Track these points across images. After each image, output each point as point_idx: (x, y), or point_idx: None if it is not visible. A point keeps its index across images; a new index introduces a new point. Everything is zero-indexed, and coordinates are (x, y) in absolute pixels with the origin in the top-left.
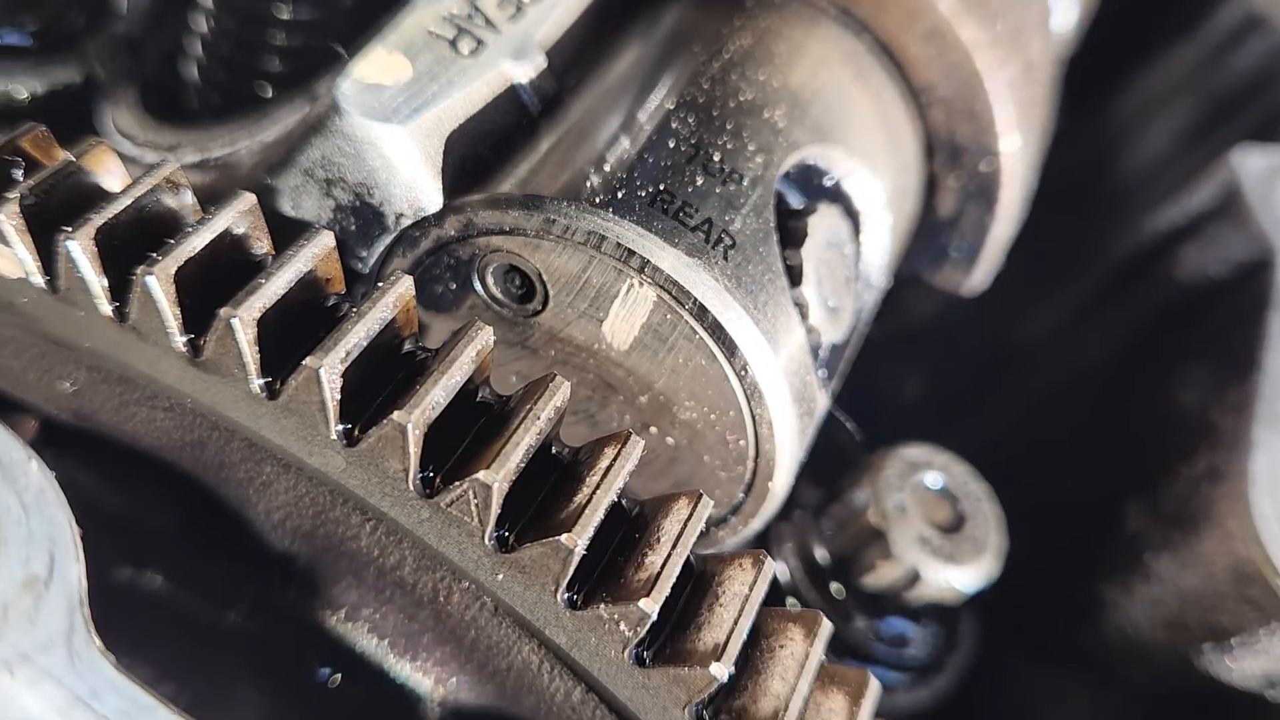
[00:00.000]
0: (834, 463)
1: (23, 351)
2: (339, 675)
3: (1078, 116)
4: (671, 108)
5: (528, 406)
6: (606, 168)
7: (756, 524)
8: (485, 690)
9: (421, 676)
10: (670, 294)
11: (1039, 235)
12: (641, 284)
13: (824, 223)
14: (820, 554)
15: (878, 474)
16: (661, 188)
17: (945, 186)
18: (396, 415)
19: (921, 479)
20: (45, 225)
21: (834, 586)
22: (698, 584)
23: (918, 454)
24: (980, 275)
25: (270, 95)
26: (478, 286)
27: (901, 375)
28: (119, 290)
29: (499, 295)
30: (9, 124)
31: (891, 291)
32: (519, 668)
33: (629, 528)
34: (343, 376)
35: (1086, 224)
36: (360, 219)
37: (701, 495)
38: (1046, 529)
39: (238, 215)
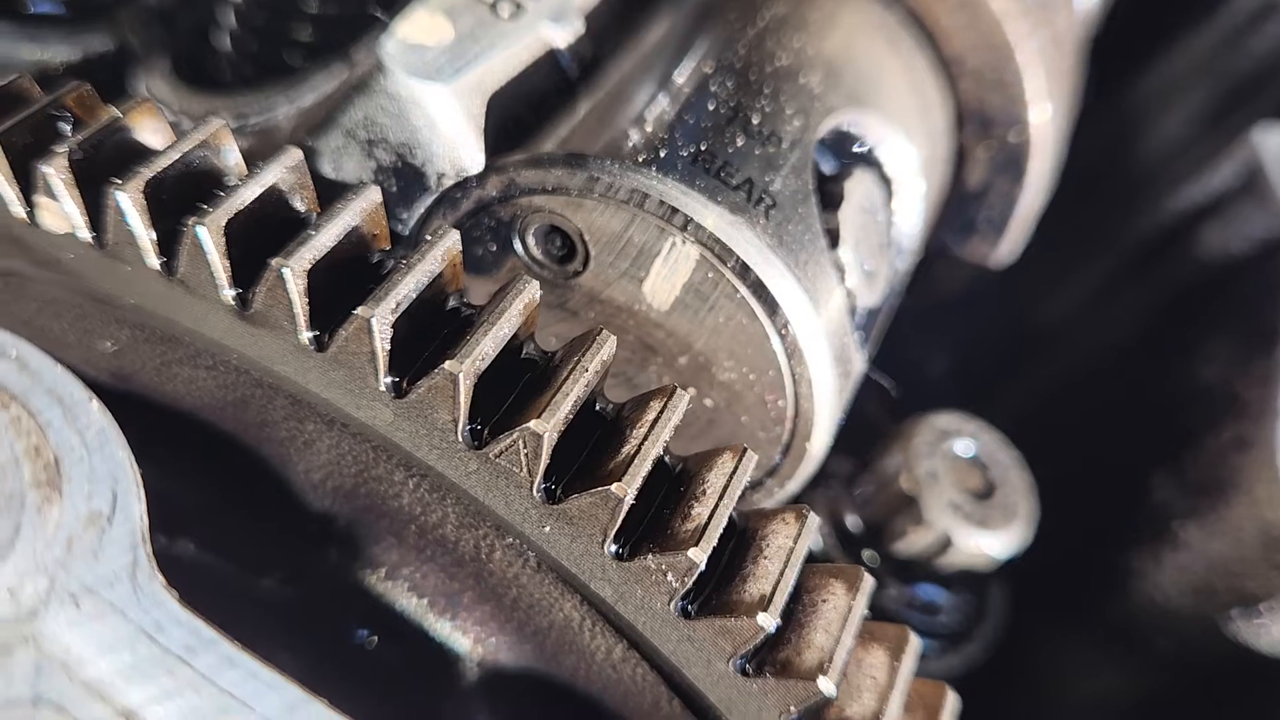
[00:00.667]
0: (864, 434)
1: (63, 312)
2: (377, 637)
3: (1097, 99)
4: (710, 71)
5: (575, 359)
6: (647, 128)
7: (793, 486)
8: (524, 650)
9: (461, 636)
10: (713, 252)
11: (1060, 215)
12: (684, 242)
13: (860, 187)
14: (852, 521)
15: (909, 441)
16: (703, 147)
17: (974, 158)
18: (448, 364)
19: (952, 446)
20: (92, 180)
21: (867, 554)
22: (740, 540)
23: (948, 422)
24: (1008, 247)
25: (303, 64)
26: (518, 247)
27: (927, 350)
28: (167, 244)
29: (539, 256)
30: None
31: (919, 264)
32: (560, 626)
33: (673, 482)
34: (392, 327)
35: (1107, 204)
36: (402, 180)
37: (746, 449)
38: (1073, 501)
39: (285, 170)
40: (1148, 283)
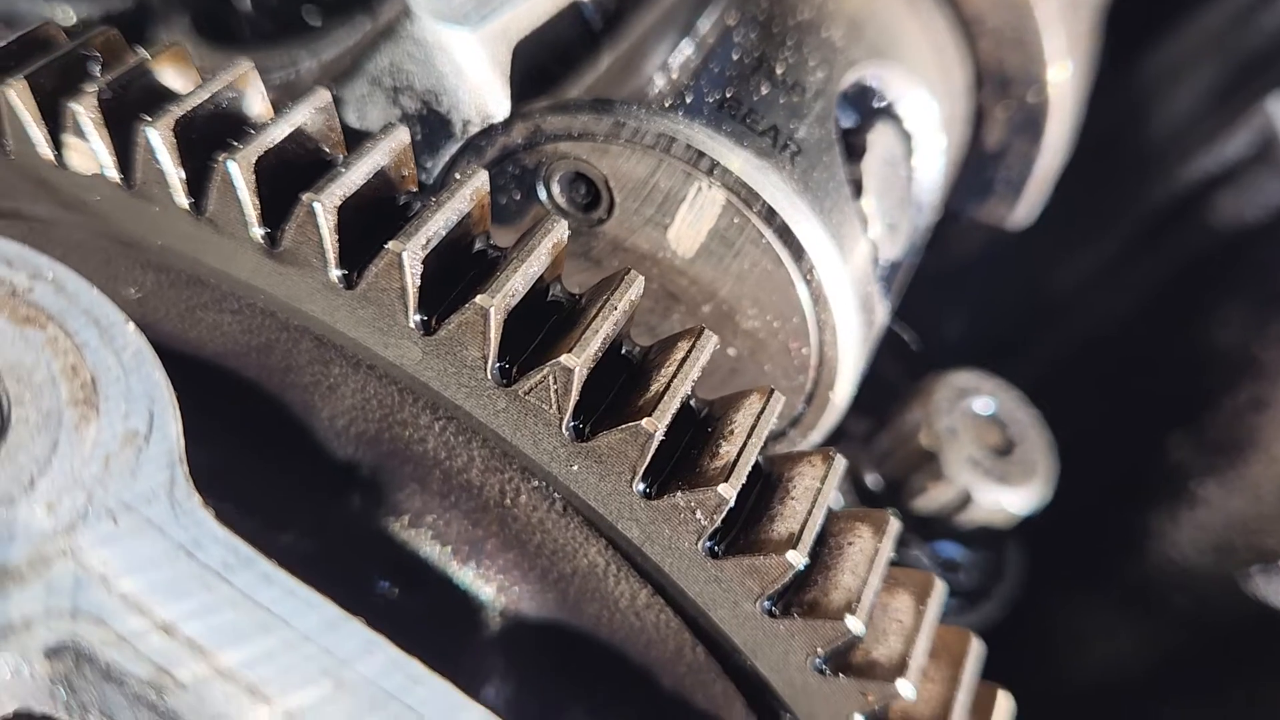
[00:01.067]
0: (881, 394)
1: (88, 258)
2: (398, 588)
3: (1110, 71)
4: (733, 23)
5: (604, 298)
6: (672, 75)
7: (816, 436)
8: (547, 599)
9: (484, 584)
10: (739, 196)
11: (1075, 182)
12: (710, 186)
13: (882, 139)
14: (872, 479)
15: (929, 398)
16: (729, 94)
17: (992, 118)
18: (479, 299)
19: (971, 403)
20: (120, 121)
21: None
22: (766, 483)
23: (967, 380)
24: (1025, 209)
25: (322, 22)
26: (543, 195)
27: (943, 312)
28: (196, 184)
29: (564, 204)
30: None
31: (936, 226)
32: (584, 571)
33: (700, 424)
34: (422, 264)
35: (1121, 173)
36: (427, 127)
37: (773, 390)
38: (1089, 462)
39: (314, 111)
40: (1163, 249)
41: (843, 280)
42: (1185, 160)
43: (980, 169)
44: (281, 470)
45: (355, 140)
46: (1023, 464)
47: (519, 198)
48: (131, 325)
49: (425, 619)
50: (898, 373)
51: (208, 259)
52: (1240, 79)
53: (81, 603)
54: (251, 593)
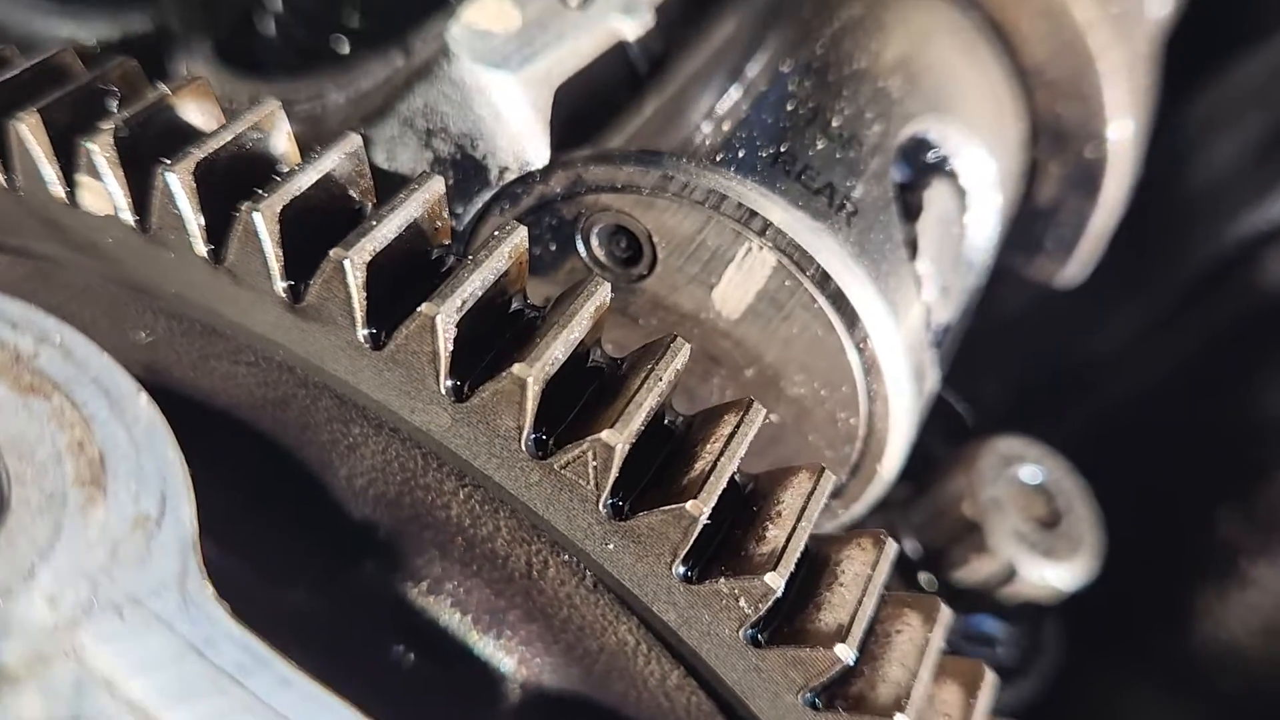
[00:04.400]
0: (919, 457)
1: (96, 300)
2: (414, 652)
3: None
4: (787, 71)
5: (649, 367)
6: (723, 126)
7: (859, 508)
8: (571, 673)
9: (505, 655)
10: (792, 259)
11: (1116, 236)
12: (761, 247)
13: (938, 197)
14: (910, 546)
15: (972, 465)
16: (783, 149)
17: (1046, 173)
18: (516, 368)
19: (1017, 472)
20: (138, 160)
21: (924, 577)
22: (812, 565)
23: (1013, 446)
24: (1077, 267)
25: (350, 52)
26: (581, 248)
27: (981, 369)
28: (215, 231)
29: (603, 258)
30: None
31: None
32: (612, 649)
33: (745, 501)
34: (456, 327)
35: (1162, 228)
36: (461, 172)
37: (824, 469)
38: (1132, 533)
39: (343, 157)
40: (1208, 308)
41: (896, 348)
42: (1230, 217)
43: (1030, 224)
44: (293, 526)
45: (384, 182)
46: (1069, 537)
47: (555, 249)
48: (144, 396)
49: (442, 687)
50: (938, 435)
51: (224, 310)
52: None
53: (84, 709)
54: (268, 697)
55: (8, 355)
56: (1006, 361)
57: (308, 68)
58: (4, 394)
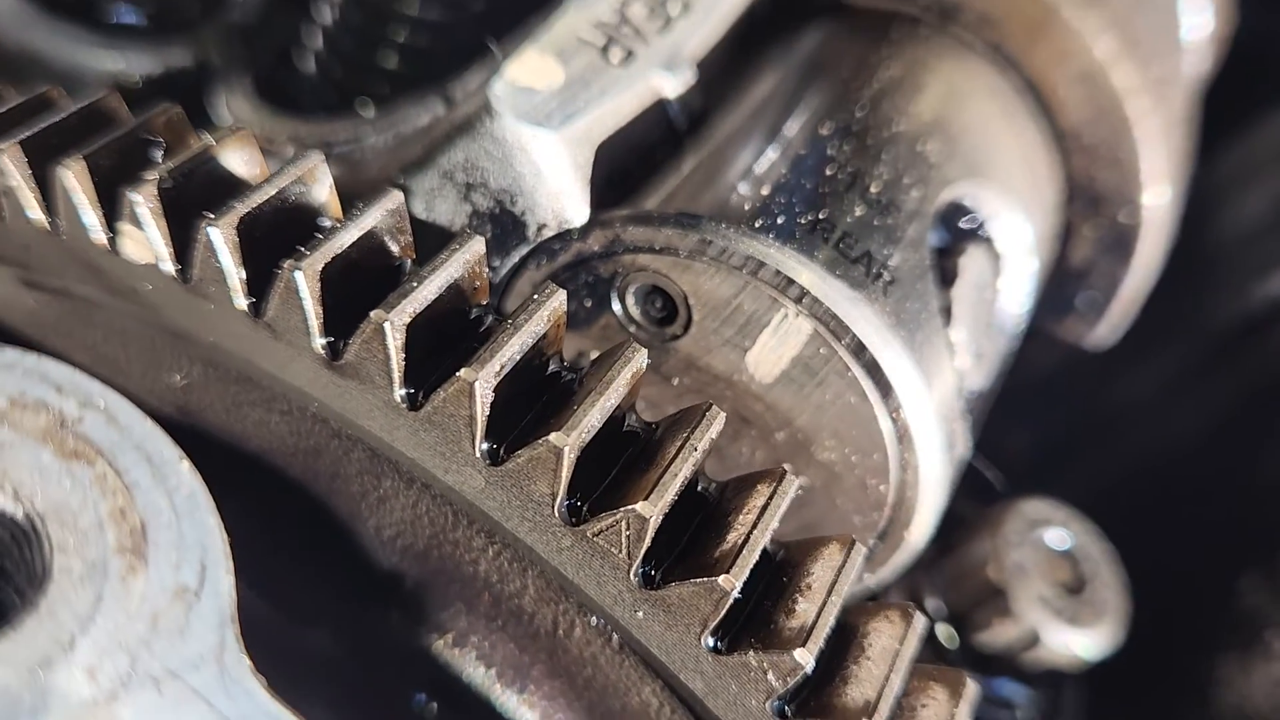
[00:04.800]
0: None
1: (131, 341)
2: (437, 702)
3: None
4: (826, 133)
5: (684, 436)
6: (762, 190)
7: (886, 574)
8: None
9: (527, 710)
10: (828, 327)
11: None
12: (797, 315)
13: (974, 264)
14: (933, 605)
15: (998, 529)
16: (822, 215)
17: (1080, 235)
18: (553, 437)
19: (1042, 536)
20: (180, 210)
21: (943, 630)
22: (841, 636)
23: (1039, 510)
24: (1107, 330)
25: (388, 94)
26: (616, 306)
27: (1005, 424)
28: (256, 284)
29: (638, 316)
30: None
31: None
32: (635, 710)
33: (775, 571)
34: (494, 391)
35: (1188, 283)
36: (498, 227)
37: (854, 542)
38: (1151, 599)
39: (385, 214)
40: (1234, 368)
41: (929, 418)
42: (1258, 274)
43: (1062, 284)
44: (319, 570)
45: (422, 232)
46: (1094, 604)
47: (590, 305)
48: (186, 463)
49: None
50: (963, 494)
51: (261, 361)
52: None
53: None
54: None
55: (52, 420)
56: (1031, 416)
57: (348, 108)
58: (48, 460)
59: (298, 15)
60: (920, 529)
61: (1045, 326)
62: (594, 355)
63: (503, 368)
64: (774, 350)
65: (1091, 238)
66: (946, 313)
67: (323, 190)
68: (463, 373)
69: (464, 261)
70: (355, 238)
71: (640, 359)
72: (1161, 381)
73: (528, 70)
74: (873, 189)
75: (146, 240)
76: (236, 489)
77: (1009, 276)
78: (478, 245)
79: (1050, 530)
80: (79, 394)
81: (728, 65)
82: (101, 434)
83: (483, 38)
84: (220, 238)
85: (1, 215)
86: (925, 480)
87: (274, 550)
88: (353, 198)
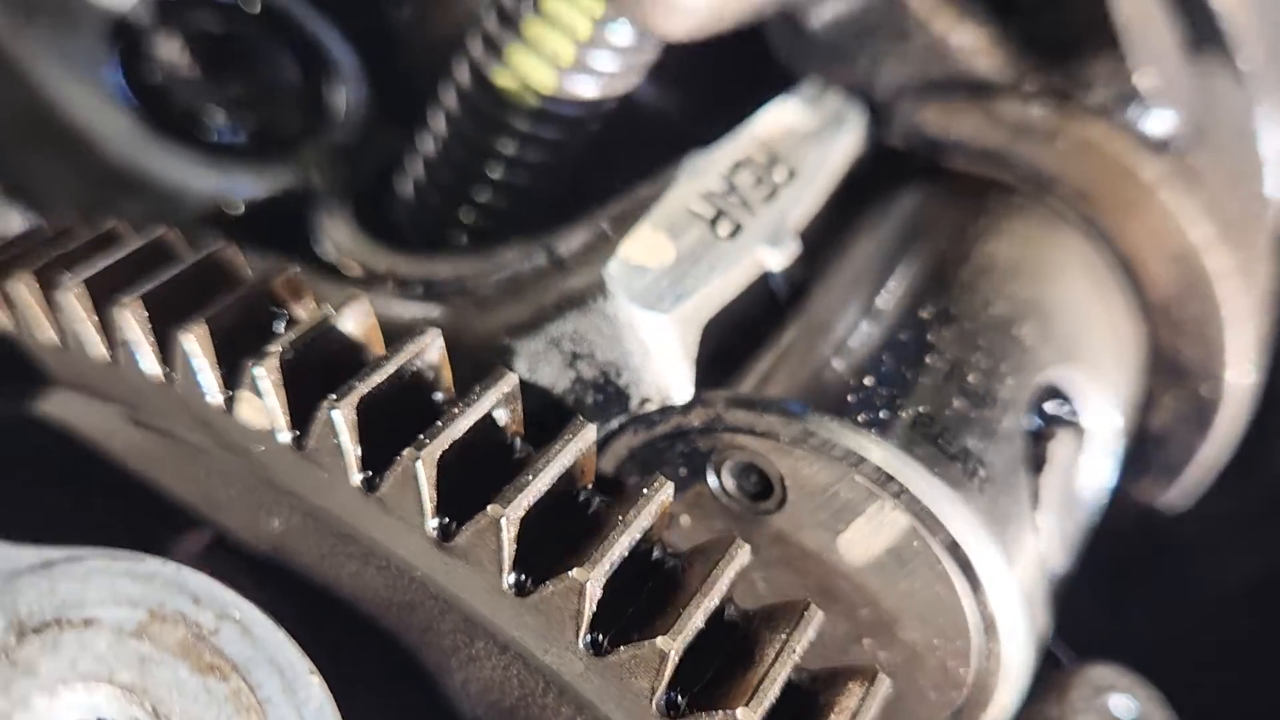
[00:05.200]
0: None
1: (234, 483)
2: None
3: None
4: (927, 318)
5: (783, 637)
6: (865, 380)
7: None
8: None
9: None
10: (923, 523)
11: None
12: (894, 508)
13: (1063, 450)
14: None
15: (1065, 694)
16: (922, 410)
17: (1160, 404)
18: (659, 641)
19: (1107, 702)
20: (298, 380)
21: None
22: None
23: (1105, 676)
24: (1180, 494)
25: (479, 223)
26: (711, 479)
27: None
28: (371, 459)
29: (732, 490)
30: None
31: None
32: None
33: (802, 700)
34: (603, 588)
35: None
36: (601, 395)
37: (878, 674)
38: None
39: (500, 397)
40: None
41: (1015, 609)
42: None
43: (1139, 447)
44: (403, 713)
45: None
46: None
47: (684, 474)
48: (317, 677)
49: None
50: None
51: (369, 530)
52: None
53: None
54: None
55: (190, 633)
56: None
57: (438, 236)
58: (186, 675)
59: (398, 136)
60: (998, 712)
61: (1119, 486)
62: (685, 521)
63: (612, 565)
64: (867, 537)
65: (1171, 406)
66: (1034, 496)
67: (436, 362)
68: (575, 573)
69: (576, 450)
70: (473, 423)
71: (744, 556)
72: (1221, 519)
73: (641, 248)
74: (970, 379)
75: (264, 408)
76: (327, 629)
77: (1096, 457)
78: (589, 434)
79: (1115, 696)
80: (215, 605)
81: (828, 233)
82: (236, 647)
83: (576, 182)
84: (342, 419)
85: (116, 361)
86: (1007, 667)
87: (359, 689)
88: (453, 346)
